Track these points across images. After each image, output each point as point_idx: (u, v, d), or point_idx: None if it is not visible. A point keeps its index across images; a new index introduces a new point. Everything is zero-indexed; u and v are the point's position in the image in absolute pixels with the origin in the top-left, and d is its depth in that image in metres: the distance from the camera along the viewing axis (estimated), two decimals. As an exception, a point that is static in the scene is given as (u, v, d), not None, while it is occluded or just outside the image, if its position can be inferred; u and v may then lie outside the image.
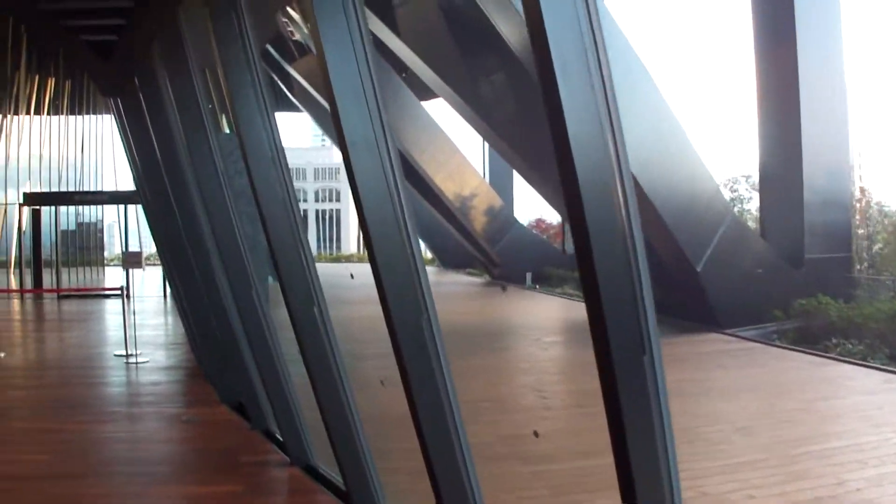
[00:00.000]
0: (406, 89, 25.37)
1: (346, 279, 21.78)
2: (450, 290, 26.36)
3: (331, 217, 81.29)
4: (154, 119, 7.85)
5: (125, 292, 12.31)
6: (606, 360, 2.79)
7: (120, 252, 45.90)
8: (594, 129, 2.58)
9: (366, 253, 4.11)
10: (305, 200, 75.51)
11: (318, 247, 73.54)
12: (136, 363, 11.30)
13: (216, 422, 7.94)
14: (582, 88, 2.56)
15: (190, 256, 7.94)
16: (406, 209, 3.50)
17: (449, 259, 35.42)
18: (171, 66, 6.60)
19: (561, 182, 2.58)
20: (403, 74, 24.12)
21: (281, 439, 6.50)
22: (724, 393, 9.76)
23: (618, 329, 2.77)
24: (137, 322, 17.50)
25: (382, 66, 24.55)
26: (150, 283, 27.97)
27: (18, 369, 11.31)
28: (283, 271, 4.73)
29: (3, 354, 11.65)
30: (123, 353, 11.85)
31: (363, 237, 3.50)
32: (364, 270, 4.14)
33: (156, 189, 8.75)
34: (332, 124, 3.42)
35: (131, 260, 11.61)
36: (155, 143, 8.07)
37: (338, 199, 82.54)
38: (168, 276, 12.78)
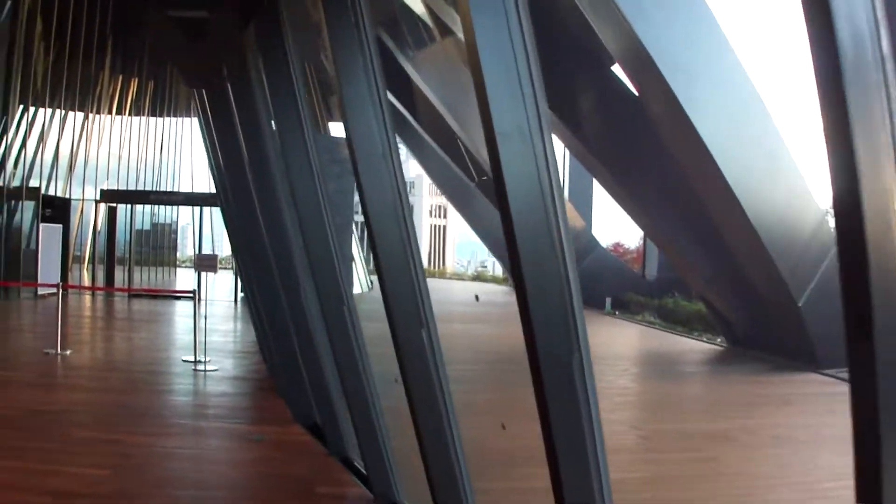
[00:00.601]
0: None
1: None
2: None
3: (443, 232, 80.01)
4: (242, 114, 7.30)
5: (196, 296, 11.83)
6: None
7: (193, 254, 46.45)
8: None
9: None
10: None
11: (430, 262, 73.13)
12: (205, 371, 10.80)
13: (288, 443, 7.32)
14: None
15: (271, 263, 7.35)
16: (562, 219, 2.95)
17: (521, 279, 34.56)
18: (266, 55, 6.01)
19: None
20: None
21: (363, 470, 5.80)
22: (843, 441, 8.81)
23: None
24: (207, 327, 17.20)
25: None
26: (221, 286, 27.82)
27: (84, 369, 10.92)
28: (388, 286, 4.08)
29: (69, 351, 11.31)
30: (192, 358, 11.41)
31: (508, 248, 3.00)
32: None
33: (239, 190, 8.19)
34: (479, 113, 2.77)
35: (205, 263, 11.13)
36: (241, 140, 7.51)
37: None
38: (244, 281, 12.28)
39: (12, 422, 7.53)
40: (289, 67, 5.64)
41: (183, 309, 19.89)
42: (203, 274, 12.59)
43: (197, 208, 27.52)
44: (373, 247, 4.09)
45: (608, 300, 24.49)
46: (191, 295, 11.77)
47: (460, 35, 9.81)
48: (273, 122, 6.77)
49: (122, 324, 17.37)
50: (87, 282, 25.72)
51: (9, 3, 19.94)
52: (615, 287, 24.99)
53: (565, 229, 2.97)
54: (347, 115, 4.02)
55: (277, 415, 8.25)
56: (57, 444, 6.84)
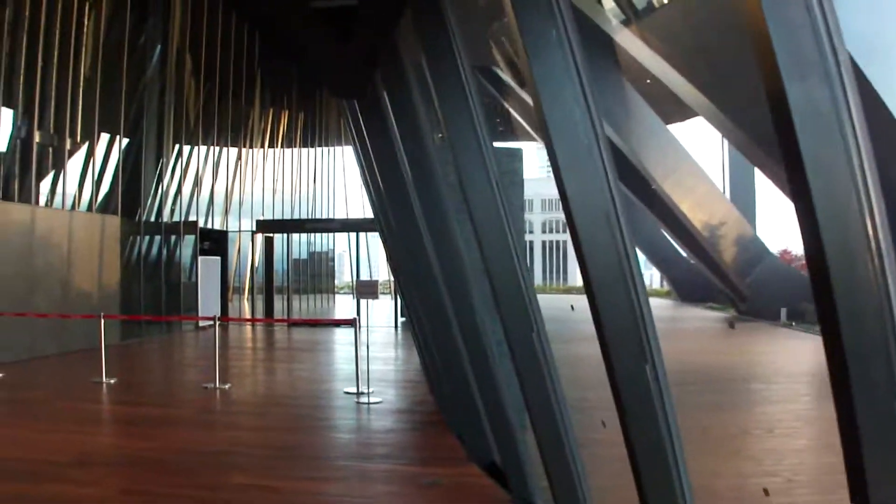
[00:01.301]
0: (650, 111, 23.58)
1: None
2: (691, 327, 24.04)
3: (557, 248, 79.22)
4: (401, 124, 6.57)
5: (357, 324, 11.24)
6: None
7: (350, 280, 46.80)
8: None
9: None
10: (532, 232, 74.29)
11: (545, 278, 72.15)
12: (368, 403, 10.14)
13: (465, 487, 6.48)
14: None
15: (440, 286, 6.55)
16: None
17: (686, 291, 32.92)
18: (428, 50, 5.19)
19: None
20: (648, 81, 22.19)
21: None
22: None
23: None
24: (369, 355, 16.72)
25: (619, 81, 22.87)
26: (380, 311, 27.57)
27: (242, 404, 10.45)
28: (604, 315, 3.18)
29: None
30: (354, 390, 10.82)
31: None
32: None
33: (400, 208, 7.46)
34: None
35: (365, 289, 10.52)
36: (402, 155, 6.77)
37: (564, 230, 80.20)
38: (406, 306, 11.59)
39: (165, 465, 7.02)
40: (457, 62, 4.79)
41: (343, 336, 19.55)
42: (364, 300, 11.94)
43: (353, 234, 27.46)
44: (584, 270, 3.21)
45: (783, 311, 22.68)
46: (350, 323, 11.18)
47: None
48: (430, 132, 6.21)
49: (282, 354, 17.11)
50: (247, 312, 25.92)
51: (158, 47, 20.32)
52: (791, 297, 23.09)
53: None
54: (545, 113, 3.14)
55: (450, 453, 7.42)
56: (209, 490, 6.26)
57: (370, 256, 27.64)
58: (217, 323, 11.70)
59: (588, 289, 3.28)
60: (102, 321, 11.93)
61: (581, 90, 3.25)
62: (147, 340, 18.45)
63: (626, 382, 3.37)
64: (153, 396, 10.79)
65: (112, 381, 11.55)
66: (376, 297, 10.42)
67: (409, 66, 5.98)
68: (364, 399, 10.35)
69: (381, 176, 8.24)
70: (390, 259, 12.59)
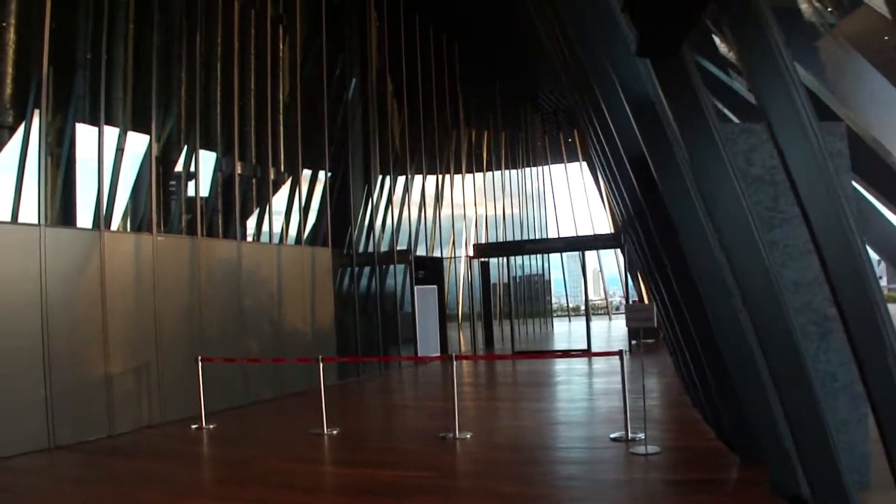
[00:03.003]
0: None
1: None
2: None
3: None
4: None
5: (624, 357, 9.05)
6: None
7: (566, 302, 44.65)
8: None
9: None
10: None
11: None
12: (646, 454, 7.93)
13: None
14: None
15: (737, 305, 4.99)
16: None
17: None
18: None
19: None
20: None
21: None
22: None
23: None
24: (603, 386, 14.56)
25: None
26: (604, 335, 25.36)
27: (496, 462, 8.35)
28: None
29: None
30: (621, 435, 8.70)
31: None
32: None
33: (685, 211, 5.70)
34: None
35: (638, 315, 8.31)
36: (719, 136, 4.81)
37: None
38: (669, 332, 9.35)
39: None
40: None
41: (573, 366, 17.42)
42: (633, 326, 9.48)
43: (577, 253, 25.33)
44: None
45: None
46: (617, 354, 9.03)
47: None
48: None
49: (514, 391, 15.07)
50: (464, 342, 24.27)
51: (354, 81, 19.09)
52: None
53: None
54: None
55: None
56: None
57: (586, 277, 25.31)
58: (454, 363, 9.80)
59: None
60: (321, 365, 10.37)
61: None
62: (366, 379, 17.04)
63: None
64: (384, 453, 8.99)
65: (334, 432, 9.97)
66: (653, 324, 8.20)
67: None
68: (639, 448, 8.15)
69: (659, 167, 6.22)
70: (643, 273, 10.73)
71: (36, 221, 9.74)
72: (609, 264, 41.87)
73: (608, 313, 42.70)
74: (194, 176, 12.95)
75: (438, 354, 21.14)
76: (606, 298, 44.61)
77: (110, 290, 10.72)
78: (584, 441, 9.30)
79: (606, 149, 10.82)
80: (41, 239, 9.75)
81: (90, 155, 10.91)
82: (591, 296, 46.35)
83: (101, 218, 10.80)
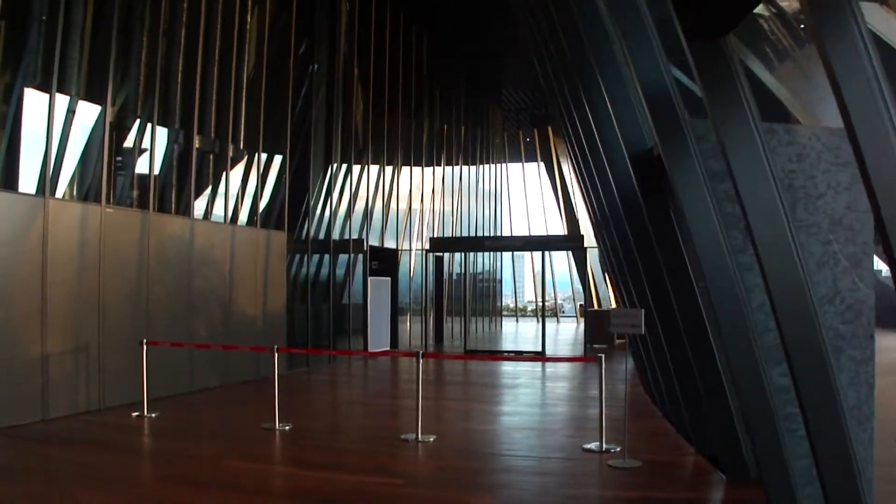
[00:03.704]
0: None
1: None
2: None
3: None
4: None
5: (602, 360, 8.57)
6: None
7: (514, 303, 44.34)
8: None
9: None
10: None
11: None
12: (626, 467, 7.49)
13: None
14: None
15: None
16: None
17: None
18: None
19: None
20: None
21: None
22: None
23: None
24: (564, 391, 14.10)
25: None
26: (558, 335, 25.03)
27: (465, 470, 7.84)
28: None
29: None
30: (595, 446, 8.27)
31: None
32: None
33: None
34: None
35: (624, 321, 7.78)
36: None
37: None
38: (647, 337, 8.90)
39: None
40: None
41: (525, 368, 16.96)
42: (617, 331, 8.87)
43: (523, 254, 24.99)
44: None
45: None
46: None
47: None
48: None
49: (470, 391, 14.48)
50: (412, 336, 23.70)
51: (320, 63, 18.37)
52: None
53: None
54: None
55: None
56: None
57: (545, 277, 24.89)
58: (420, 359, 9.20)
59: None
60: (276, 355, 9.71)
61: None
62: (315, 370, 16.37)
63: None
64: (343, 454, 8.38)
65: (287, 428, 9.34)
66: (640, 331, 7.72)
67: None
68: (617, 461, 7.70)
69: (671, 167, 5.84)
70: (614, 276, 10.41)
71: (-26, 183, 8.92)
72: (558, 266, 41.71)
73: (555, 315, 42.53)
74: (149, 147, 12.16)
75: (389, 348, 20.58)
76: (555, 300, 44.47)
77: (52, 261, 9.90)
78: (557, 450, 8.82)
79: (588, 146, 10.40)
80: (-22, 202, 8.92)
81: (38, 115, 10.08)
82: (530, 297, 46.24)
83: (47, 183, 9.97)
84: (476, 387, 14.88)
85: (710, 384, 6.87)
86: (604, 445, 8.27)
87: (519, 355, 19.66)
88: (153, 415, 10.10)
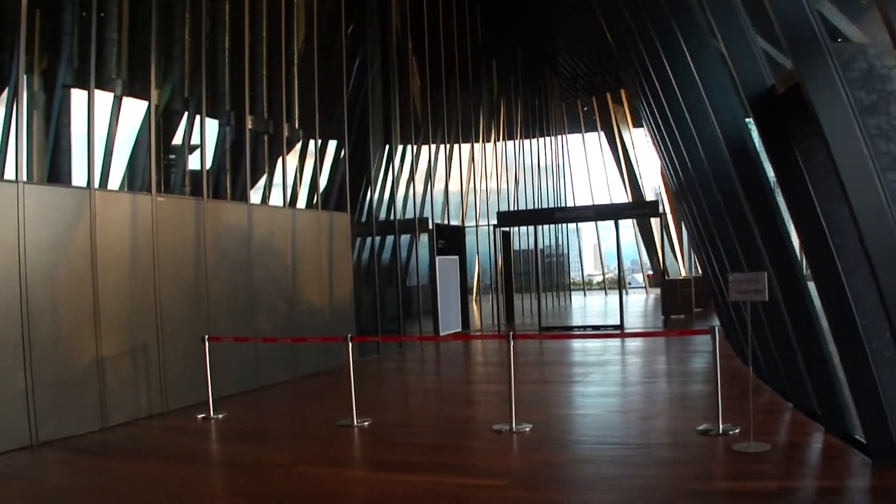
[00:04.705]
0: None
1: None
2: None
3: None
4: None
5: (715, 337, 7.56)
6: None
7: (581, 276, 43.25)
8: None
9: None
10: None
11: None
12: (754, 452, 6.47)
13: None
14: None
15: None
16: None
17: None
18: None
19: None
20: None
21: None
22: None
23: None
24: (651, 367, 13.04)
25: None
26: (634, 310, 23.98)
27: (581, 461, 6.92)
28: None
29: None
30: (708, 427, 7.30)
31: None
32: None
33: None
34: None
35: (748, 286, 6.75)
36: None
37: None
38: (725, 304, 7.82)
39: None
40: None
41: (596, 344, 15.92)
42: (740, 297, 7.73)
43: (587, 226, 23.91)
44: None
45: None
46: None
47: None
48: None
49: (559, 373, 13.37)
50: (479, 316, 22.82)
51: (378, 30, 17.45)
52: None
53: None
54: None
55: None
56: None
57: (619, 248, 23.71)
58: (511, 341, 8.23)
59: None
60: (350, 345, 8.84)
61: None
62: (386, 357, 15.56)
63: None
64: (433, 451, 7.45)
65: (366, 424, 8.48)
66: (764, 297, 6.70)
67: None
68: (741, 445, 6.68)
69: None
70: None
71: (13, 177, 8.16)
72: (623, 237, 40.58)
73: (617, 288, 41.68)
74: (200, 130, 11.38)
75: (460, 329, 19.78)
76: (622, 272, 43.53)
77: (102, 259, 9.14)
78: (668, 434, 7.83)
79: (686, 103, 9.42)
80: (19, 198, 8.16)
81: (82, 103, 9.33)
82: (590, 270, 45.10)
83: (93, 174, 9.20)
84: (560, 366, 13.88)
85: (853, 358, 5.81)
86: (720, 427, 7.25)
87: (617, 330, 18.46)
88: (220, 416, 9.35)
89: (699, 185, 10.23)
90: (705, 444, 7.03)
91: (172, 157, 11.35)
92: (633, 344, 15.61)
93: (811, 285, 6.55)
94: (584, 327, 20.82)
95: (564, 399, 10.53)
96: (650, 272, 41.27)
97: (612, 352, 14.80)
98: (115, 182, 9.84)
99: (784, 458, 6.55)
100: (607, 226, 38.59)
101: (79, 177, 9.19)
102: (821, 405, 7.19)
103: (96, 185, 9.22)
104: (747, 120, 7.29)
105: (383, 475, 6.68)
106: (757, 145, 7.06)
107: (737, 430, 7.20)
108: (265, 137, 13.14)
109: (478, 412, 9.69)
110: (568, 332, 20.38)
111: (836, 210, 5.44)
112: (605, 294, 40.14)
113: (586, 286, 43.19)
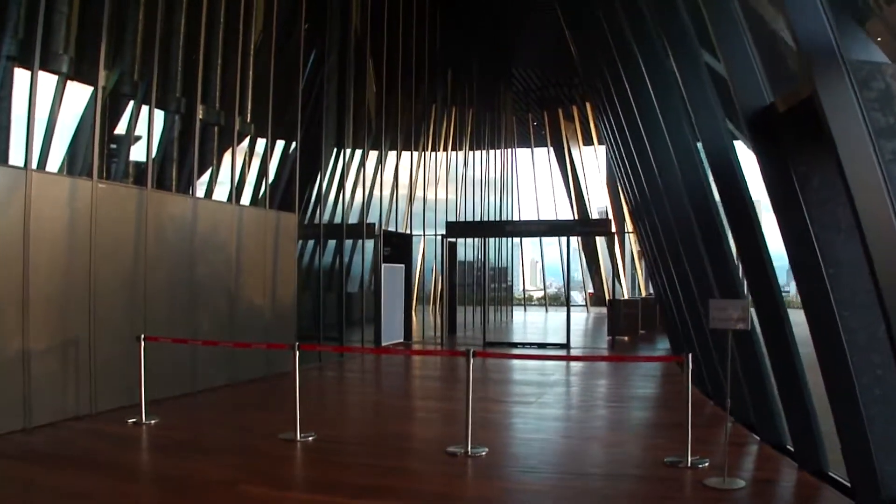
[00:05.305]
0: None
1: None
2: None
3: None
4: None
5: (687, 362, 7.23)
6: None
7: (522, 292, 43.10)
8: None
9: None
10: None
11: None
12: (728, 488, 6.15)
13: None
14: None
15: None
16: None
17: None
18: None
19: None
20: None
21: None
22: None
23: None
24: (606, 390, 12.73)
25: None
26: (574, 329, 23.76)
27: (542, 496, 6.51)
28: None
29: None
30: (678, 459, 7.00)
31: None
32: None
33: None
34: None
35: (728, 314, 6.41)
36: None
37: None
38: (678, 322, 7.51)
39: None
40: None
41: (558, 363, 15.59)
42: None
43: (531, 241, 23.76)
44: None
45: None
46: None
47: None
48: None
49: (509, 392, 12.79)
50: (419, 327, 22.38)
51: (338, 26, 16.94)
52: None
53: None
54: None
55: None
56: None
57: (569, 263, 23.48)
58: (471, 359, 7.76)
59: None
60: (297, 353, 8.31)
61: None
62: (327, 366, 15.00)
63: None
64: (384, 475, 6.94)
65: (310, 439, 7.97)
66: (746, 326, 6.41)
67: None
68: (713, 480, 6.35)
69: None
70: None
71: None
72: (549, 254, 40.88)
73: (556, 305, 41.73)
74: (148, 116, 10.73)
75: (402, 340, 19.31)
76: (545, 289, 43.83)
77: (35, 245, 8.47)
78: (634, 465, 7.45)
79: (643, 127, 9.17)
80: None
81: (24, 78, 8.65)
82: (527, 286, 45.16)
83: (31, 154, 8.52)
84: (509, 385, 13.42)
85: (842, 394, 5.51)
86: (689, 459, 6.92)
87: (563, 349, 18.19)
88: (152, 421, 8.74)
89: (668, 202, 9.96)
90: (675, 478, 6.69)
91: (117, 143, 10.68)
92: (581, 365, 15.32)
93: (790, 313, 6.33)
94: (531, 344, 20.46)
95: (520, 421, 10.06)
96: (591, 291, 41.41)
97: (561, 371, 14.46)
98: (54, 164, 9.18)
99: (760, 496, 6.25)
100: (550, 242, 38.89)
101: (16, 156, 8.50)
102: (795, 440, 6.92)
103: (34, 165, 8.56)
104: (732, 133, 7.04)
105: (332, 499, 6.16)
106: (741, 164, 6.81)
107: (706, 464, 6.89)
108: (215, 129, 12.52)
109: (428, 431, 9.22)
110: (514, 347, 19.98)
111: (833, 240, 5.16)
112: (546, 311, 40.06)
113: (527, 302, 43.15)
